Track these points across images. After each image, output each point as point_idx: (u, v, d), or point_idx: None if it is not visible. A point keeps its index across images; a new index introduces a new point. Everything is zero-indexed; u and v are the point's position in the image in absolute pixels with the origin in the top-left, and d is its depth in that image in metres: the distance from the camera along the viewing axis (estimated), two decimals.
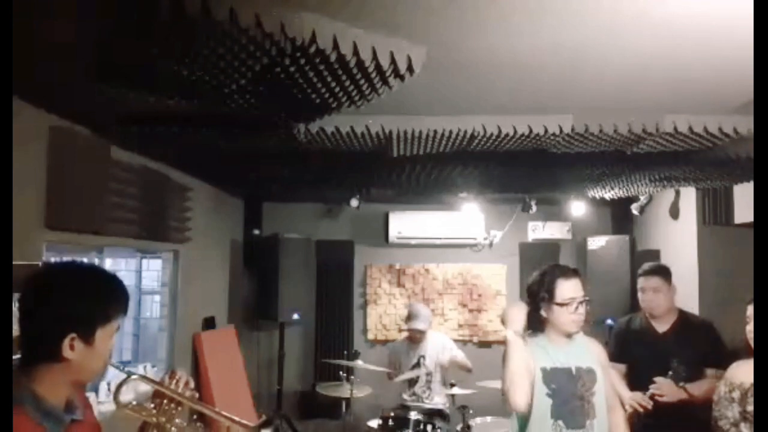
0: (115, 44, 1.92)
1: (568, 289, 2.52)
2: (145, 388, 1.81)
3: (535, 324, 2.60)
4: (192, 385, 1.77)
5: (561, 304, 2.51)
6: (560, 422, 2.45)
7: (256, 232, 6.18)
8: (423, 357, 4.76)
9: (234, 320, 5.71)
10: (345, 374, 4.52)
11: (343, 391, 4.46)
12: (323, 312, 6.21)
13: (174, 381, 1.75)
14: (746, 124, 2.87)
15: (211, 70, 2.04)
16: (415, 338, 4.81)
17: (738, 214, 4.34)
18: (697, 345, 3.31)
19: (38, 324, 1.42)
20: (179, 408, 1.74)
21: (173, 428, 1.71)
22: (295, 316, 5.59)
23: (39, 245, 2.84)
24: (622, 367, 3.46)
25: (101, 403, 3.43)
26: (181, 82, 2.17)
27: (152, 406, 1.73)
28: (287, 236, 5.63)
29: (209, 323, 5.12)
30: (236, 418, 1.76)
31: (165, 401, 1.73)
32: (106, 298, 1.51)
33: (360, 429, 4.67)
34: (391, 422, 4.23)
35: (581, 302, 2.53)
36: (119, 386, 1.76)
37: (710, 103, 2.71)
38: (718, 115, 2.87)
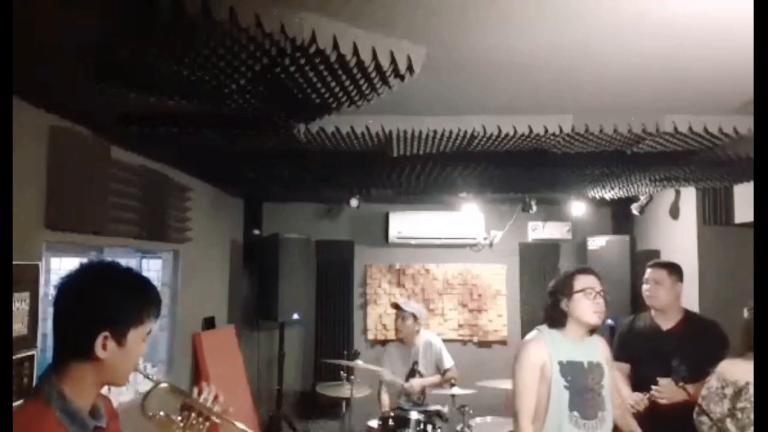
0: (115, 44, 1.92)
1: (586, 280, 2.70)
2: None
3: (555, 320, 2.72)
4: (221, 399, 1.75)
5: (580, 291, 2.67)
6: (575, 413, 2.59)
7: (256, 232, 6.18)
8: (416, 363, 4.75)
9: (234, 320, 5.72)
10: (345, 374, 4.52)
11: (343, 391, 4.46)
12: (323, 312, 6.21)
13: (202, 395, 1.73)
14: (746, 124, 2.87)
15: (211, 70, 2.04)
16: (407, 340, 4.79)
17: (738, 214, 4.34)
18: (702, 344, 3.26)
19: (73, 322, 1.41)
20: (207, 423, 1.72)
21: None
22: (295, 316, 5.58)
23: (39, 245, 2.84)
24: (626, 366, 3.45)
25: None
26: (181, 82, 2.17)
27: (179, 418, 1.71)
28: (287, 236, 5.63)
29: (209, 323, 5.12)
30: None
31: (193, 415, 1.71)
32: (140, 299, 1.49)
33: (360, 429, 4.67)
34: (391, 422, 4.23)
35: (599, 293, 2.68)
36: (146, 395, 1.73)
37: (710, 103, 2.71)
38: (718, 115, 2.87)
